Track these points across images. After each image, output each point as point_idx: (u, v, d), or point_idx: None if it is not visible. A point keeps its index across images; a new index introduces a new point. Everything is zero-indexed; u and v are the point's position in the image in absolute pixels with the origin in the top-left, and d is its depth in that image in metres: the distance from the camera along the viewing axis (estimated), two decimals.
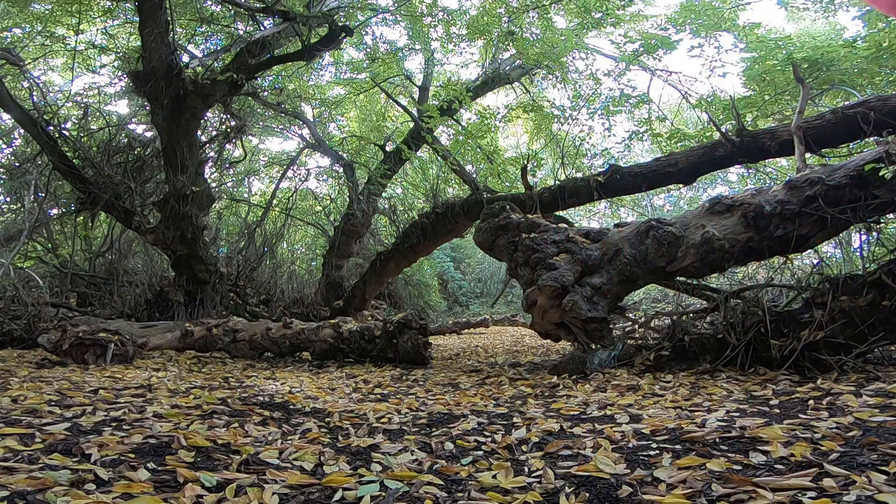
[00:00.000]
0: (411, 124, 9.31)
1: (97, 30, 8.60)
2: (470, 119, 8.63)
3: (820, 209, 3.46)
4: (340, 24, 6.92)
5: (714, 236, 3.74)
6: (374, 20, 8.88)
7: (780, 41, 6.31)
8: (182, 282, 6.64)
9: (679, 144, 7.14)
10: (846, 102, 5.25)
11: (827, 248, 6.16)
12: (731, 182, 9.67)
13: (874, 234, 3.72)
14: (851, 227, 3.85)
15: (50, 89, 9.14)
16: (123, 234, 8.39)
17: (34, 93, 7.54)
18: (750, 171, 8.00)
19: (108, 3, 7.87)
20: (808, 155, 4.41)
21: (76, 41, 8.19)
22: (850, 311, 3.05)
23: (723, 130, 5.10)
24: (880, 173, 3.23)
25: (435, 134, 8.09)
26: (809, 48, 5.96)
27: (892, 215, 3.86)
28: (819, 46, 5.94)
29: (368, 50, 9.26)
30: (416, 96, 10.19)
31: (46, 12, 7.91)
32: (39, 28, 8.12)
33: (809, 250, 4.04)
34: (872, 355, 3.14)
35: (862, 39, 5.95)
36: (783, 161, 7.33)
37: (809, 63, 5.75)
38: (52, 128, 6.88)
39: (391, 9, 8.50)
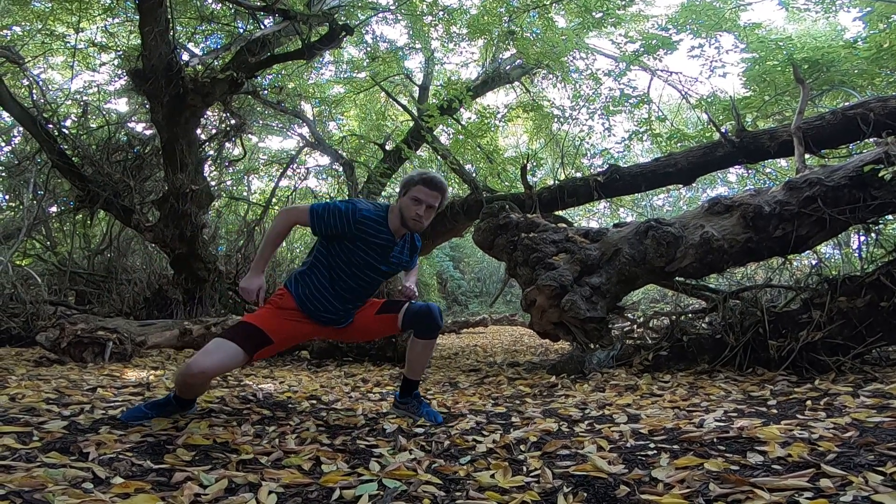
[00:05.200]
0: (411, 123, 9.30)
1: (97, 28, 8.58)
2: (470, 118, 8.62)
3: (819, 210, 3.46)
4: (341, 23, 6.91)
5: (713, 237, 3.74)
6: (375, 19, 8.87)
7: (780, 42, 6.31)
8: (181, 280, 6.63)
9: (679, 145, 7.14)
10: (846, 103, 5.25)
11: (826, 248, 6.16)
12: (731, 182, 9.68)
13: (873, 235, 3.73)
14: (850, 228, 3.86)
15: (49, 87, 9.13)
16: (122, 232, 8.36)
17: (34, 91, 7.52)
18: (749, 171, 8.01)
19: (109, 1, 7.86)
20: (807, 156, 4.41)
21: (76, 39, 8.18)
22: (848, 312, 3.06)
23: (722, 131, 5.10)
24: (879, 174, 3.23)
25: (435, 133, 8.08)
26: (810, 49, 5.96)
27: (890, 216, 3.87)
28: (819, 47, 5.95)
29: (368, 49, 9.26)
30: (416, 95, 10.19)
31: (46, 10, 7.91)
32: (39, 26, 8.11)
33: (808, 251, 4.04)
34: (870, 356, 3.14)
35: (862, 40, 5.96)
36: (783, 162, 7.34)
37: (810, 64, 5.75)
38: (51, 126, 6.86)
39: (392, 7, 8.49)
